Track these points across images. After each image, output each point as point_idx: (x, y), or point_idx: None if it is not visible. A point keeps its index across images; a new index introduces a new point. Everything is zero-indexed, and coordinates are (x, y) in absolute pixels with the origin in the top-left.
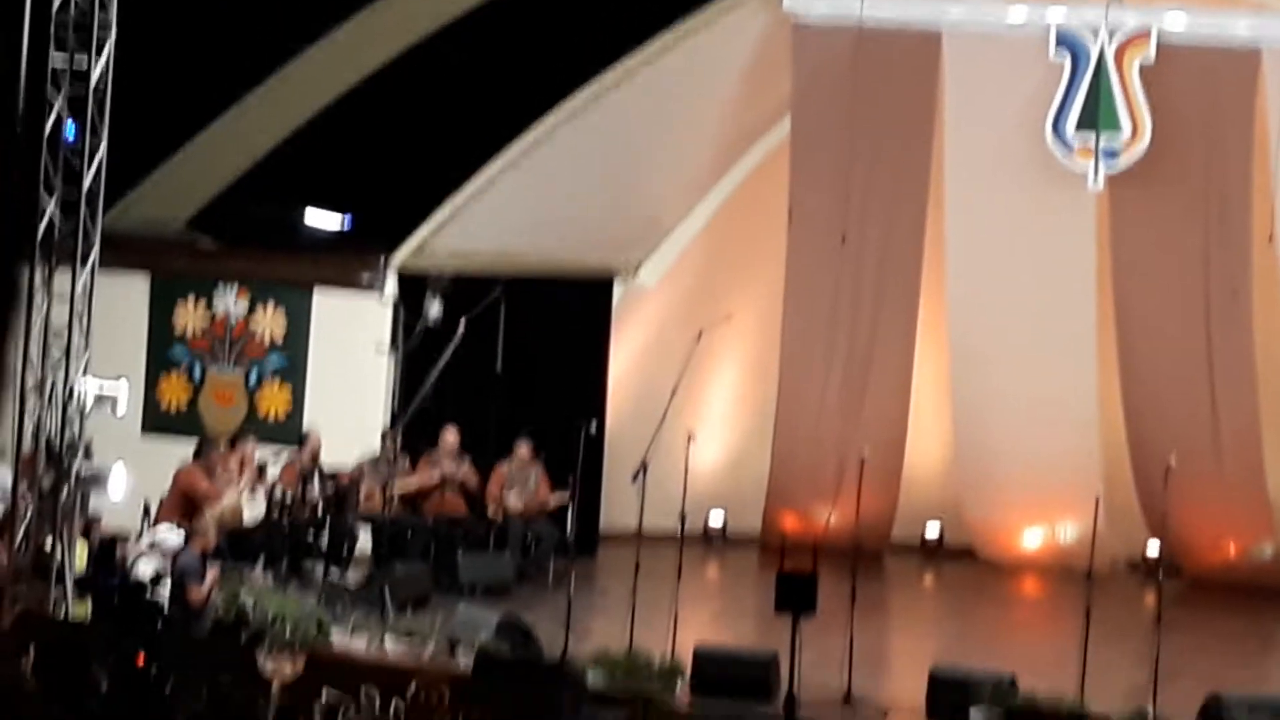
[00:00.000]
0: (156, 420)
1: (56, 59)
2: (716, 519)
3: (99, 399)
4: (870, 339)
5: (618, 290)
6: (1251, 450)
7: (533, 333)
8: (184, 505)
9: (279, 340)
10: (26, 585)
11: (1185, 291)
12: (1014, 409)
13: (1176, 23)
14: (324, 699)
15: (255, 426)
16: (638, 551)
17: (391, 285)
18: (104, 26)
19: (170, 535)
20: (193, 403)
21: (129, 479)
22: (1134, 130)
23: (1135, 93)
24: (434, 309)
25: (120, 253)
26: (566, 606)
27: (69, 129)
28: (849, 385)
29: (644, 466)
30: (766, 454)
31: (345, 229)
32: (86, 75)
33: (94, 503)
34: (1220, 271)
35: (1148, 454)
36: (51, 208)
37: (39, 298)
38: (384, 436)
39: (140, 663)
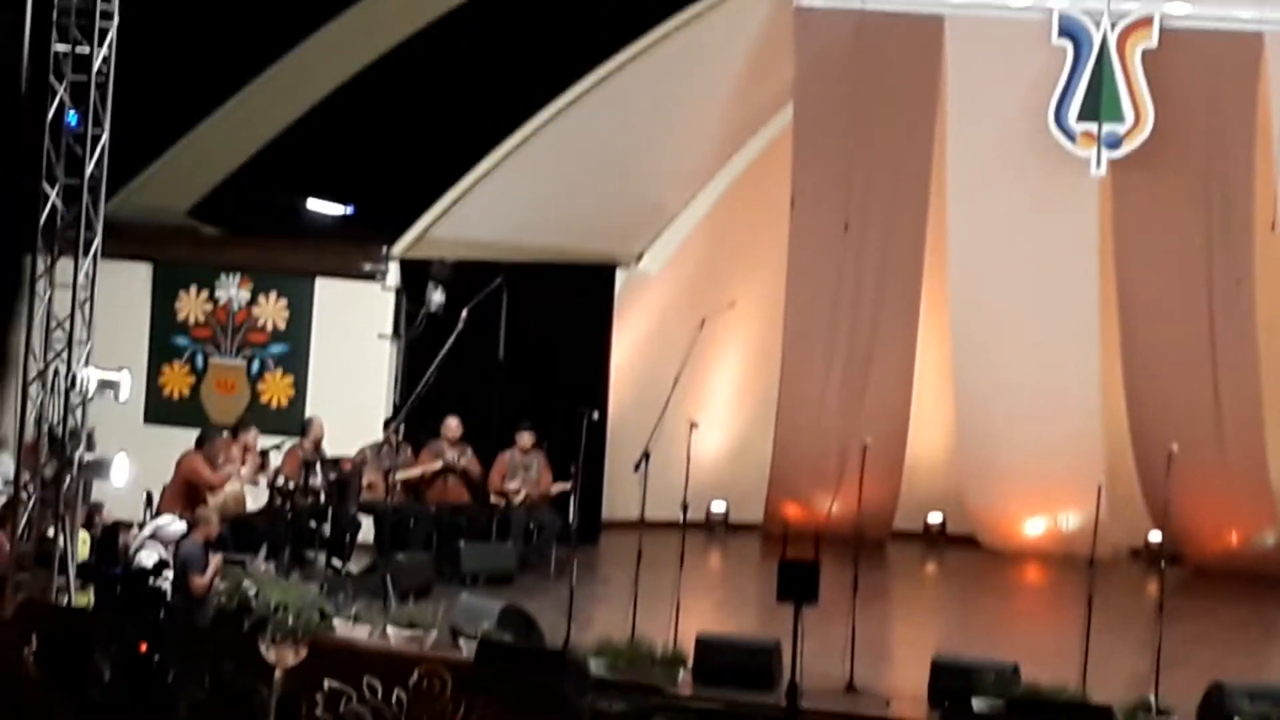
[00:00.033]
0: (159, 409)
1: (59, 47)
2: (719, 507)
3: (102, 386)
4: (873, 327)
5: (620, 278)
6: (1254, 438)
7: (535, 321)
8: (186, 494)
9: (281, 329)
10: (29, 574)
11: (1188, 279)
12: (1016, 397)
13: (1179, 8)
14: (326, 688)
15: (257, 415)
16: (640, 540)
17: (394, 273)
18: (106, 15)
19: (172, 524)
20: (195, 391)
21: (131, 468)
22: (1136, 119)
23: (1138, 80)
24: (436, 297)
25: (122, 241)
26: (569, 595)
27: (71, 117)
28: (851, 374)
29: (646, 455)
30: (769, 442)
31: (348, 216)
32: (89, 63)
33: (96, 491)
34: (1223, 259)
35: (1150, 442)
36: (54, 196)
37: (41, 286)
38: (386, 425)
39: (142, 651)
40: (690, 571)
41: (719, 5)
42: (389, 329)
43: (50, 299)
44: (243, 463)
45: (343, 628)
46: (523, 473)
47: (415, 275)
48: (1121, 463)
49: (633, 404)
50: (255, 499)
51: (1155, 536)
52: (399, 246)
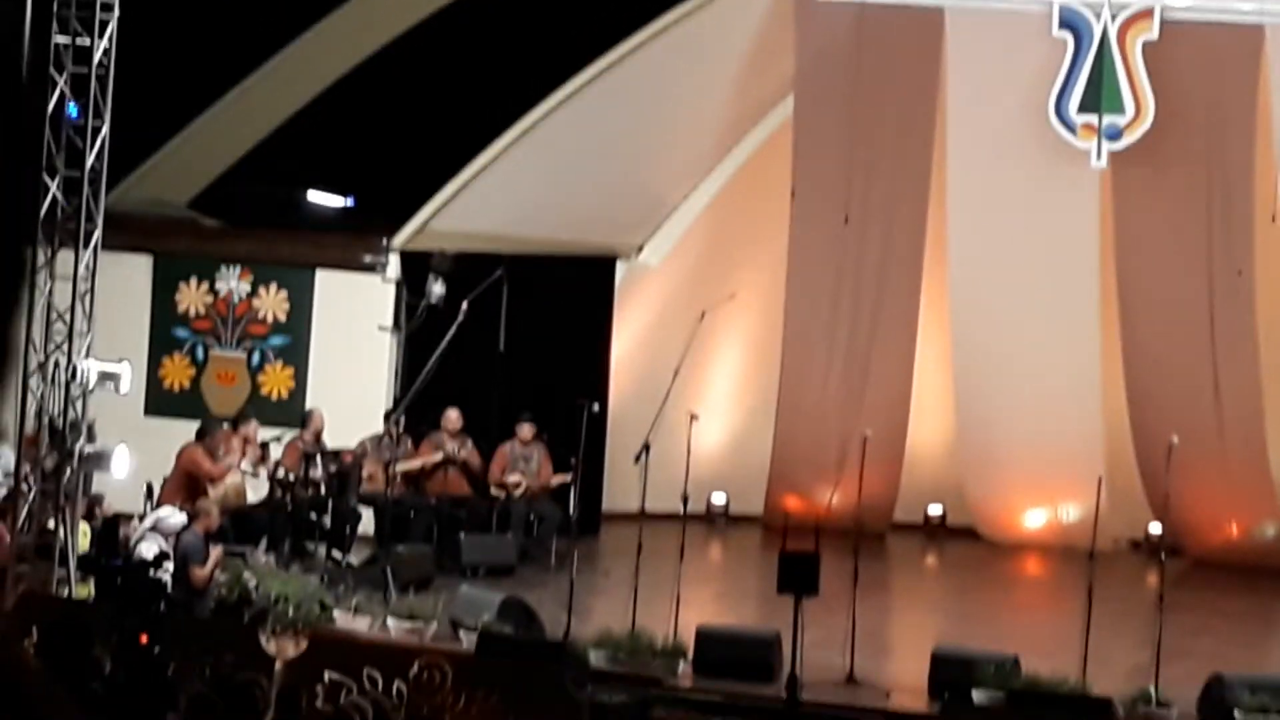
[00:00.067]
0: (159, 401)
1: (59, 39)
2: (719, 499)
3: (102, 378)
4: (873, 319)
5: (620, 270)
6: (1254, 430)
7: (535, 313)
8: (187, 485)
9: (281, 321)
10: (30, 565)
11: (1188, 270)
12: (1016, 389)
13: (1180, 0)
14: (326, 680)
15: (258, 407)
16: (640, 532)
17: (394, 265)
18: (106, 7)
19: (173, 516)
20: (195, 383)
21: (131, 460)
22: (1137, 111)
23: (1138, 72)
24: (436, 289)
25: (123, 233)
26: (569, 587)
27: (71, 109)
28: (852, 366)
29: (646, 447)
30: (769, 434)
31: (348, 208)
32: (89, 55)
33: (96, 483)
34: (1223, 250)
35: (1150, 434)
36: (54, 188)
37: (42, 278)
38: (387, 417)
39: (143, 643)
40: (690, 563)
41: None
42: (389, 321)
43: (51, 291)
44: (243, 455)
45: (343, 619)
46: (523, 464)
47: (415, 267)
48: (1122, 454)
49: (633, 396)
50: (255, 491)
51: (1155, 528)
52: (399, 238)
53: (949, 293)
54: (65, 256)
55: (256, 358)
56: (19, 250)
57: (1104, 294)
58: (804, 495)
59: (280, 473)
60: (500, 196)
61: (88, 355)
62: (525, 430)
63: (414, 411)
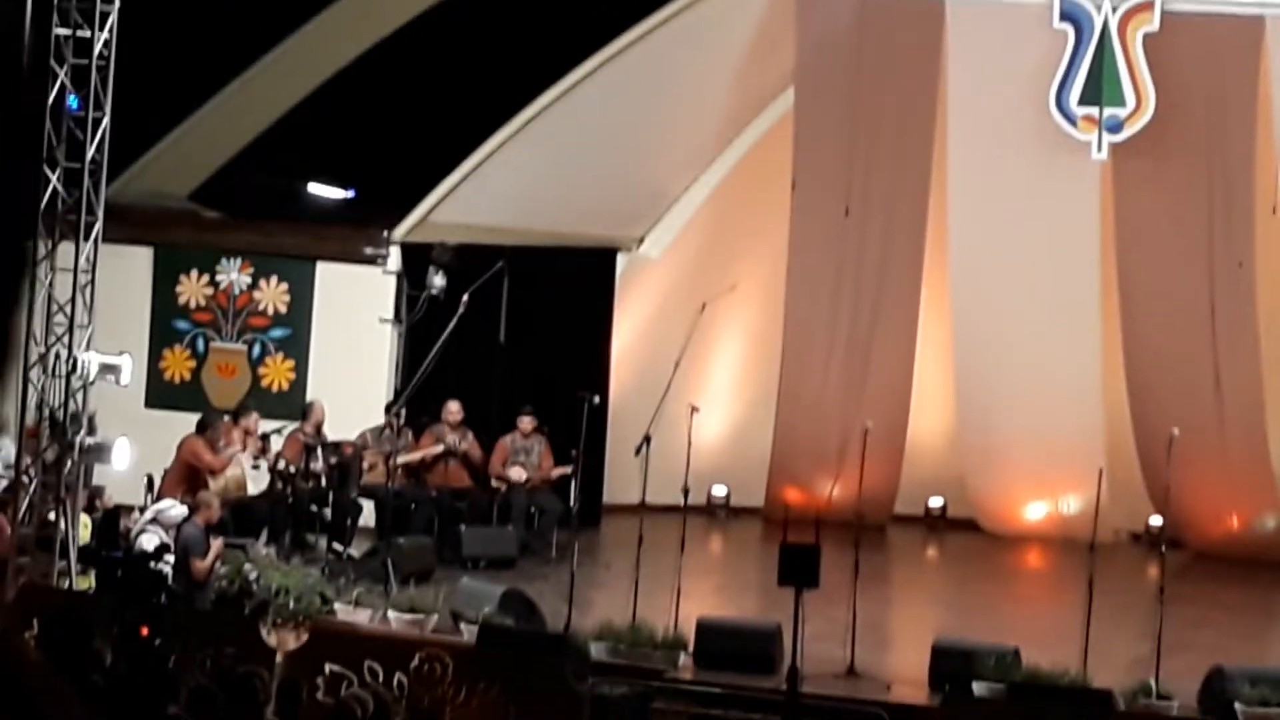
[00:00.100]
0: (160, 393)
1: (60, 30)
2: (719, 491)
3: (103, 370)
4: (874, 311)
5: (621, 262)
6: (1255, 422)
7: (536, 304)
8: (187, 478)
9: (282, 313)
10: (30, 557)
11: (1189, 262)
12: (1017, 381)
13: None
14: (327, 672)
15: (258, 399)
16: (641, 524)
17: (395, 257)
18: None
19: (173, 508)
20: (196, 375)
21: (132, 452)
22: (1137, 103)
23: (1139, 64)
24: (437, 281)
25: (123, 225)
26: (569, 579)
27: (72, 101)
28: (852, 358)
29: (647, 439)
30: (770, 426)
31: (349, 200)
32: (90, 47)
33: (97, 475)
34: (1224, 242)
35: (1151, 426)
36: (55, 180)
37: (42, 270)
38: (388, 409)
39: (144, 635)
40: (691, 555)
41: None
42: (390, 313)
43: (51, 283)
44: (244, 447)
45: (344, 612)
46: (524, 457)
47: (416, 259)
48: (1122, 446)
49: (634, 388)
50: (256, 483)
51: (1156, 520)
52: (400, 230)
53: (950, 284)
54: (66, 249)
55: (257, 350)
56: (20, 242)
57: (1105, 286)
58: (805, 487)
59: (281, 465)
60: (501, 188)
61: (88, 347)
62: (526, 422)
63: (415, 403)
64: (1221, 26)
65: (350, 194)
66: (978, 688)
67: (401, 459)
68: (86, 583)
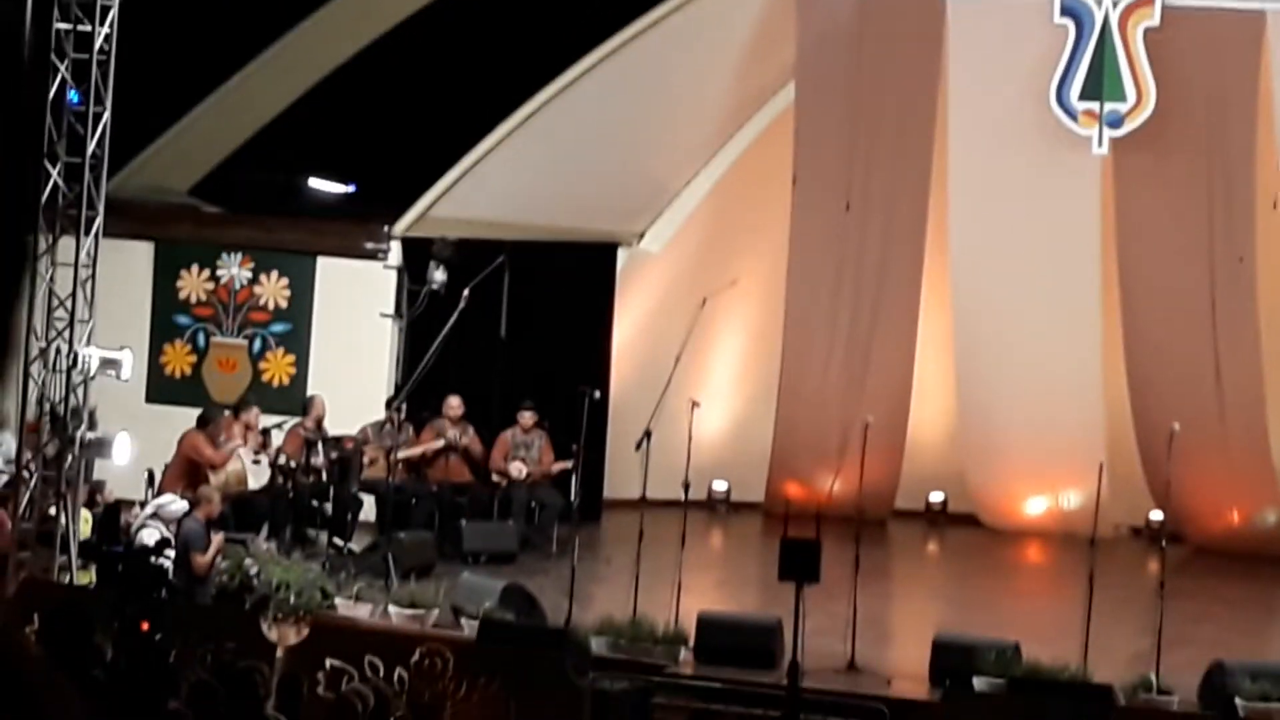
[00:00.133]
0: (160, 388)
1: (60, 25)
2: (720, 486)
3: (103, 365)
4: (874, 306)
5: (621, 257)
6: (1256, 417)
7: (537, 300)
8: (188, 473)
9: (283, 307)
10: (31, 552)
11: (1190, 257)
12: (1018, 376)
13: None
14: (327, 667)
15: (259, 394)
16: (641, 519)
17: (395, 252)
18: None
19: (174, 503)
20: (196, 370)
21: (133, 447)
22: (1138, 98)
23: (1139, 59)
24: (438, 276)
25: (124, 220)
26: (570, 574)
27: (73, 95)
28: (853, 353)
29: (648, 434)
30: (770, 421)
31: (349, 195)
32: (90, 41)
33: (98, 470)
34: (1225, 237)
35: (1151, 421)
36: (55, 175)
37: (43, 265)
38: (388, 404)
39: (144, 630)
40: (692, 550)
41: None
42: (391, 308)
43: (52, 278)
44: (244, 441)
45: (344, 606)
46: (524, 452)
47: (417, 254)
48: (1123, 441)
49: (634, 383)
50: (257, 478)
51: (1156, 515)
52: (400, 225)
53: (950, 280)
54: (66, 243)
55: (258, 344)
56: (20, 237)
57: (1105, 281)
58: (805, 482)
59: (282, 460)
60: (502, 183)
61: (89, 342)
62: (526, 417)
63: (415, 398)
64: (1222, 21)
65: (351, 189)
66: (978, 683)
67: (402, 454)
68: (87, 578)
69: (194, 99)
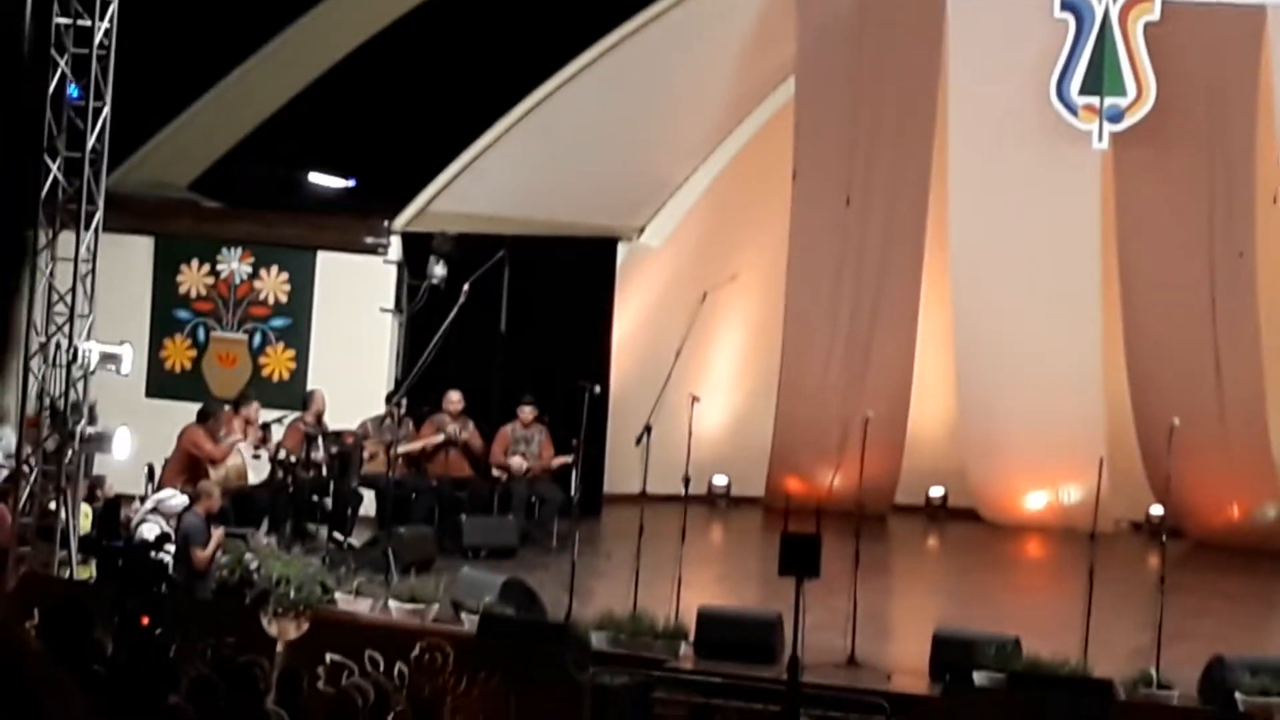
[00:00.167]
0: (160, 383)
1: (60, 19)
2: (720, 481)
3: (103, 360)
4: (874, 301)
5: (622, 251)
6: (1256, 412)
7: (536, 294)
8: (188, 467)
9: (283, 302)
10: (31, 547)
11: (1190, 252)
12: (1018, 370)
13: None
14: (327, 661)
15: (259, 388)
16: (641, 514)
17: (395, 247)
18: None
19: (174, 497)
20: (196, 365)
21: (133, 441)
22: (1138, 92)
23: (1140, 54)
24: (438, 271)
25: (124, 215)
26: (570, 569)
27: (73, 90)
28: (853, 347)
29: (648, 429)
30: (770, 416)
31: (349, 189)
32: (90, 36)
33: (98, 465)
34: (1225, 232)
35: (1152, 416)
36: (55, 169)
37: (43, 260)
38: (388, 399)
39: (144, 624)
40: (692, 545)
41: None
42: (391, 302)
43: (52, 272)
44: (244, 436)
45: (344, 601)
46: (524, 446)
47: (417, 249)
48: (1123, 436)
49: (634, 377)
50: (257, 472)
51: (1157, 510)
52: (400, 220)
53: (950, 274)
54: (66, 238)
55: (258, 339)
56: (20, 232)
57: (1105, 276)
58: (805, 477)
59: (282, 454)
60: (502, 178)
61: (89, 337)
62: (526, 412)
63: (415, 393)
64: (1222, 16)
65: (351, 183)
66: (978, 677)
67: (402, 448)
68: (87, 572)
69: (194, 94)
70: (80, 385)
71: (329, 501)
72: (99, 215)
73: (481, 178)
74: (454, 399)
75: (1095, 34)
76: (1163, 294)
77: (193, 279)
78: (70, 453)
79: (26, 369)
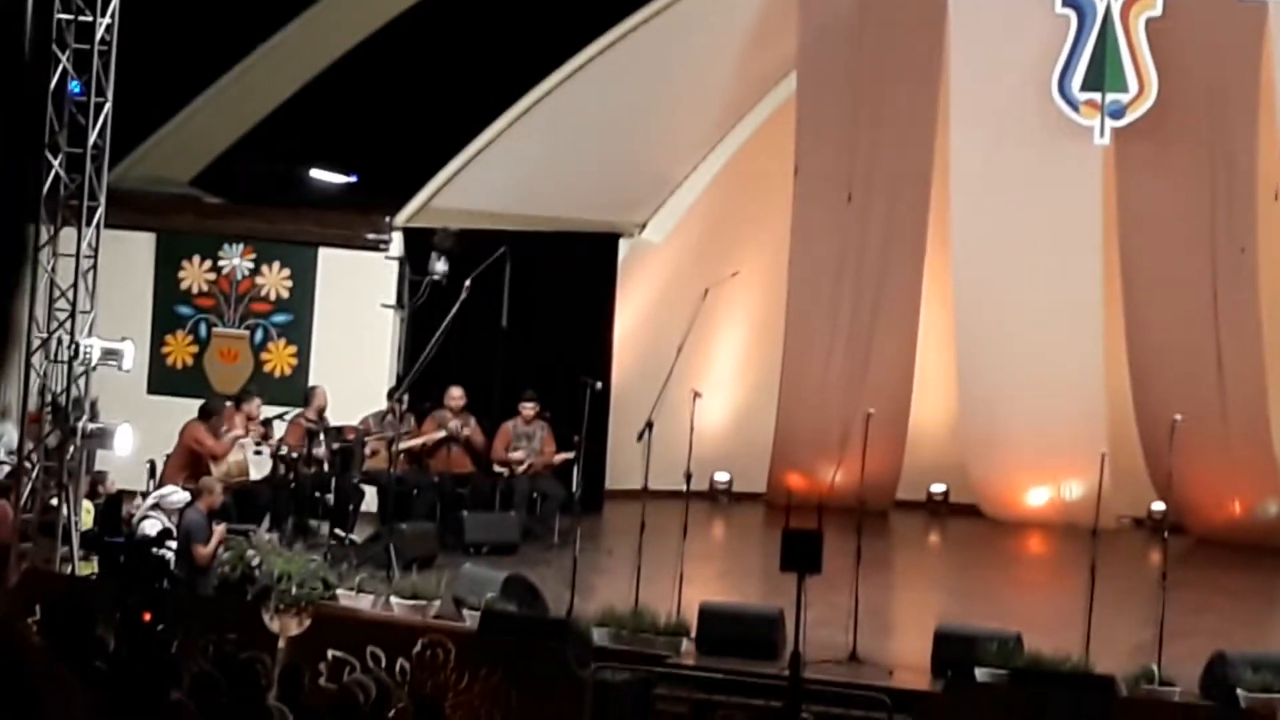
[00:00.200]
0: (162, 378)
1: (62, 15)
2: (722, 477)
3: (105, 355)
4: (876, 298)
5: (623, 247)
6: (1257, 408)
7: (538, 290)
8: (190, 463)
9: (284, 298)
10: (33, 543)
11: (1191, 247)
12: (1019, 367)
13: None
14: (329, 658)
15: (261, 384)
16: (643, 510)
17: (397, 243)
18: None
19: (176, 493)
20: (198, 361)
21: (134, 437)
22: (1140, 88)
23: (1141, 49)
24: (439, 266)
25: (125, 211)
26: (572, 565)
27: (74, 86)
28: (854, 344)
29: (649, 425)
30: (772, 412)
31: (351, 185)
32: (92, 31)
33: (100, 461)
34: (1226, 227)
35: (1153, 412)
36: (57, 165)
37: (44, 256)
38: (390, 395)
39: (146, 620)
40: (693, 541)
41: None
42: (392, 298)
43: (54, 268)
44: (246, 432)
45: (346, 597)
46: (526, 442)
47: (418, 244)
48: (1124, 432)
49: (636, 374)
50: (258, 468)
51: (1158, 506)
52: (402, 216)
53: (952, 271)
54: (68, 234)
55: (259, 335)
56: (25, 227)
57: (1107, 272)
58: (807, 473)
59: (283, 450)
60: (503, 174)
61: (90, 333)
62: (528, 408)
63: (417, 389)
64: (1224, 12)
65: (352, 179)
66: (980, 673)
67: (404, 444)
68: (89, 568)
69: (195, 89)
70: (82, 381)
71: (331, 498)
72: (101, 211)
73: (483, 173)
74: (455, 395)
75: (1097, 30)
76: (1164, 290)
77: (194, 275)
78: (72, 449)
79: (28, 365)
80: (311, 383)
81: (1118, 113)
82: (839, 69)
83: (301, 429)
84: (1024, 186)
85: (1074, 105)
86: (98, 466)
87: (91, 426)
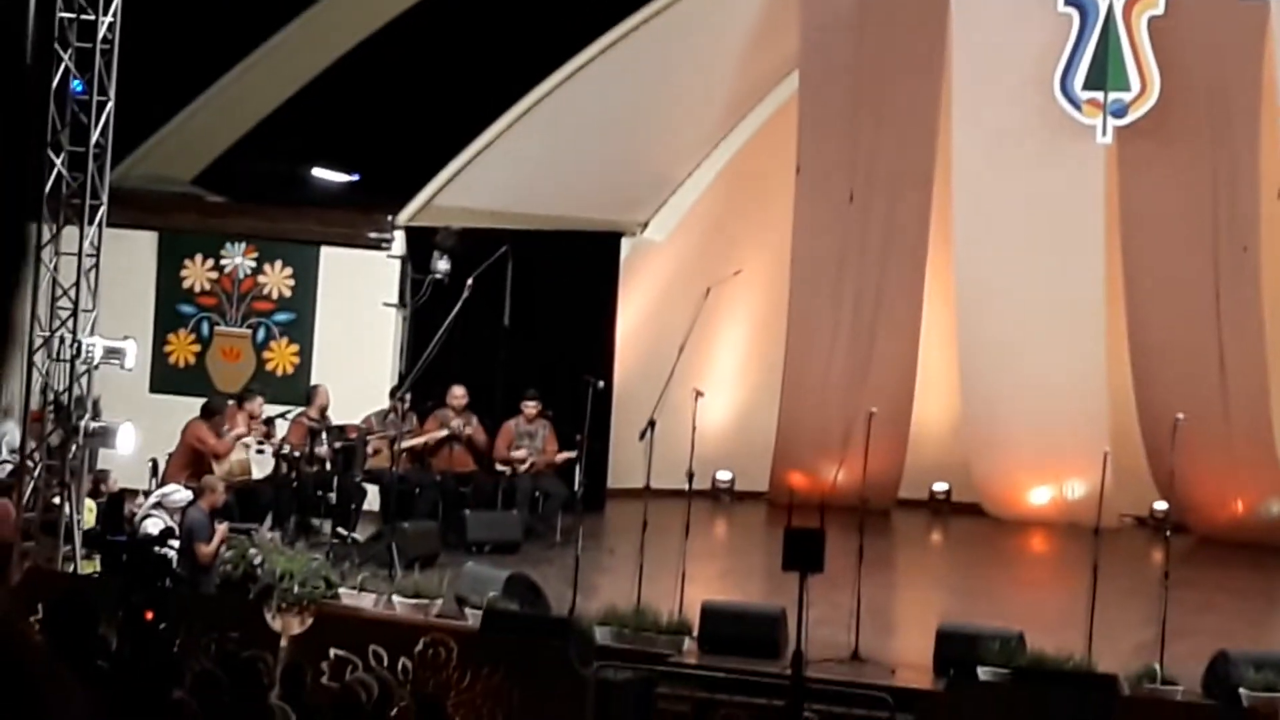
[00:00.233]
0: (164, 377)
1: (64, 14)
2: (724, 476)
3: (107, 354)
4: (877, 297)
5: (625, 246)
6: (1260, 407)
7: (540, 289)
8: (192, 462)
9: (286, 297)
10: (35, 541)
11: (1194, 247)
12: (1021, 366)
13: None
14: (331, 656)
15: (263, 383)
16: (645, 509)
17: (399, 242)
18: None
19: (178, 492)
20: (200, 360)
21: (137, 436)
22: (1142, 87)
23: (1144, 48)
24: (441, 265)
25: (128, 210)
26: (574, 564)
27: (76, 84)
28: (857, 343)
29: (651, 424)
30: (774, 411)
31: (353, 184)
32: (94, 30)
33: (102, 460)
34: (1229, 226)
35: (1156, 410)
36: (59, 164)
37: (47, 255)
38: (392, 393)
39: (148, 619)
40: (695, 540)
41: None
42: (394, 297)
43: (56, 267)
44: (248, 431)
45: (348, 596)
46: (528, 441)
47: (420, 243)
48: (1127, 431)
49: (638, 372)
50: (261, 467)
51: (1161, 505)
52: (404, 215)
53: (954, 269)
54: (70, 233)
55: (262, 334)
56: (26, 226)
57: (1109, 270)
58: (809, 472)
59: (285, 449)
60: (505, 173)
61: (93, 332)
62: (530, 407)
63: (419, 388)
64: (1226, 10)
65: (354, 178)
66: (982, 672)
67: (406, 443)
68: (91, 567)
69: (198, 88)
70: (84, 380)
71: (333, 496)
72: (103, 210)
73: (485, 172)
74: (458, 394)
75: (1099, 28)
76: (1167, 289)
77: (196, 274)
78: (74, 448)
79: (31, 364)
80: (314, 381)
81: (1120, 111)
82: (840, 68)
83: (304, 428)
84: (1026, 185)
85: (1076, 104)
86: (100, 465)
87: (94, 425)
